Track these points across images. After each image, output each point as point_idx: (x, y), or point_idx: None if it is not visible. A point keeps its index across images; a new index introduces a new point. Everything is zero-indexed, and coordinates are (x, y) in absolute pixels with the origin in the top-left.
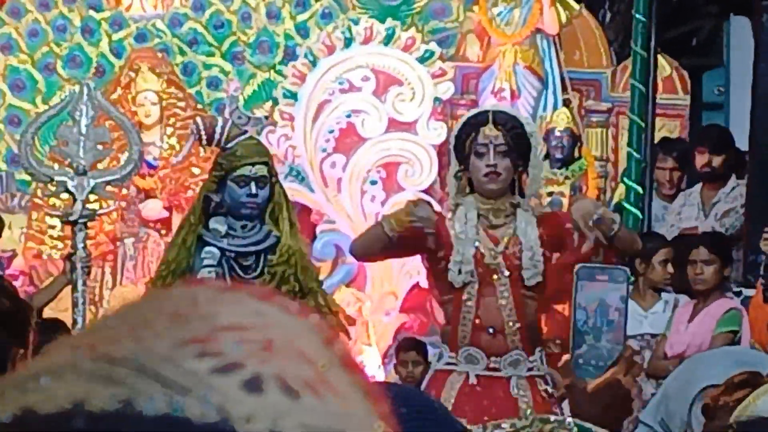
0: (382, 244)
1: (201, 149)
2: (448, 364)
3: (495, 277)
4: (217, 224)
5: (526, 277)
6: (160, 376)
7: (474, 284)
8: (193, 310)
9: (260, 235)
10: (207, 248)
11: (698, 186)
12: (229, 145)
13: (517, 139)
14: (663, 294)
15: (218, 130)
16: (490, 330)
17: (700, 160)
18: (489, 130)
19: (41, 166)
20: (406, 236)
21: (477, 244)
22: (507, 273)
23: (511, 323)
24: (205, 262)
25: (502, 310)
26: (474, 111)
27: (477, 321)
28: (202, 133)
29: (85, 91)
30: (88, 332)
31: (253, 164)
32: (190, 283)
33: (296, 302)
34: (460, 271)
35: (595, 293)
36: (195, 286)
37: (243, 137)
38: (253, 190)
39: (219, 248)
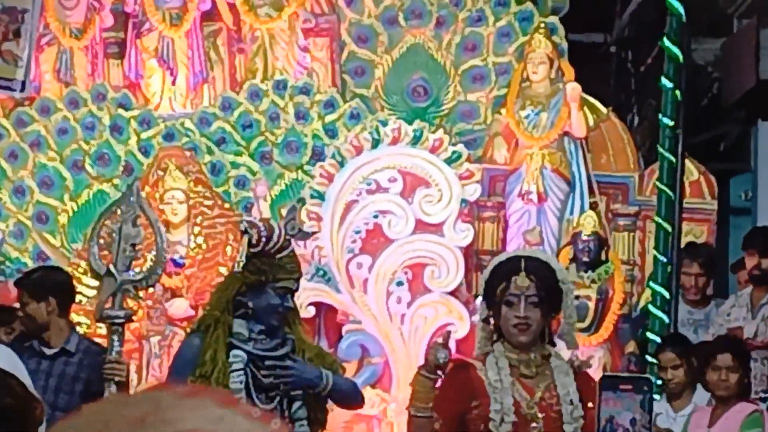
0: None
1: (228, 248)
2: None
3: (533, 425)
4: (241, 328)
5: (569, 430)
6: None
7: None
8: (155, 414)
9: (278, 338)
10: (234, 351)
11: (749, 288)
12: (279, 256)
13: (549, 288)
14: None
15: (274, 239)
16: None
17: (750, 262)
18: (521, 281)
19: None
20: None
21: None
22: (542, 425)
23: None
24: (234, 366)
25: None
26: (505, 255)
27: None
28: (262, 237)
29: (134, 191)
30: None
31: (297, 279)
32: (153, 387)
33: (258, 409)
34: (502, 421)
35: (610, 411)
36: (158, 390)
37: (289, 249)
38: (290, 302)
39: (245, 351)
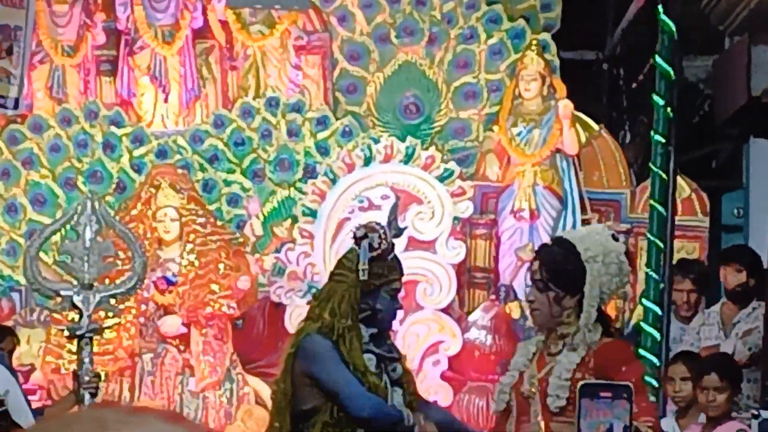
0: None
1: (221, 266)
2: None
3: (531, 401)
4: (365, 332)
5: (549, 403)
6: None
7: (513, 414)
8: None
9: (386, 344)
10: (366, 355)
11: (718, 305)
12: (390, 257)
13: (554, 272)
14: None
15: (388, 240)
16: None
17: (736, 278)
18: (534, 265)
19: (46, 280)
20: None
21: (519, 372)
22: (538, 400)
23: None
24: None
25: None
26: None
27: None
28: (383, 241)
29: (89, 205)
30: None
31: (400, 279)
32: (97, 406)
33: (203, 426)
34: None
35: (599, 420)
36: (103, 409)
37: (394, 251)
38: (399, 303)
39: (373, 353)
